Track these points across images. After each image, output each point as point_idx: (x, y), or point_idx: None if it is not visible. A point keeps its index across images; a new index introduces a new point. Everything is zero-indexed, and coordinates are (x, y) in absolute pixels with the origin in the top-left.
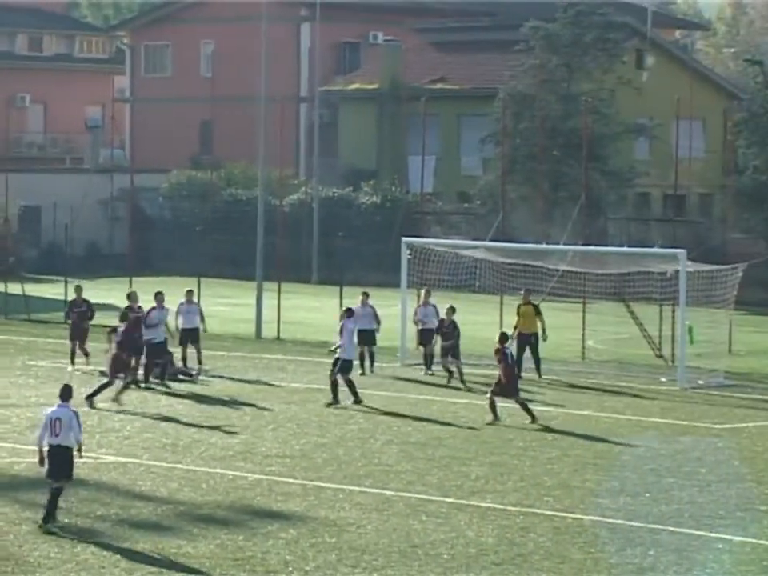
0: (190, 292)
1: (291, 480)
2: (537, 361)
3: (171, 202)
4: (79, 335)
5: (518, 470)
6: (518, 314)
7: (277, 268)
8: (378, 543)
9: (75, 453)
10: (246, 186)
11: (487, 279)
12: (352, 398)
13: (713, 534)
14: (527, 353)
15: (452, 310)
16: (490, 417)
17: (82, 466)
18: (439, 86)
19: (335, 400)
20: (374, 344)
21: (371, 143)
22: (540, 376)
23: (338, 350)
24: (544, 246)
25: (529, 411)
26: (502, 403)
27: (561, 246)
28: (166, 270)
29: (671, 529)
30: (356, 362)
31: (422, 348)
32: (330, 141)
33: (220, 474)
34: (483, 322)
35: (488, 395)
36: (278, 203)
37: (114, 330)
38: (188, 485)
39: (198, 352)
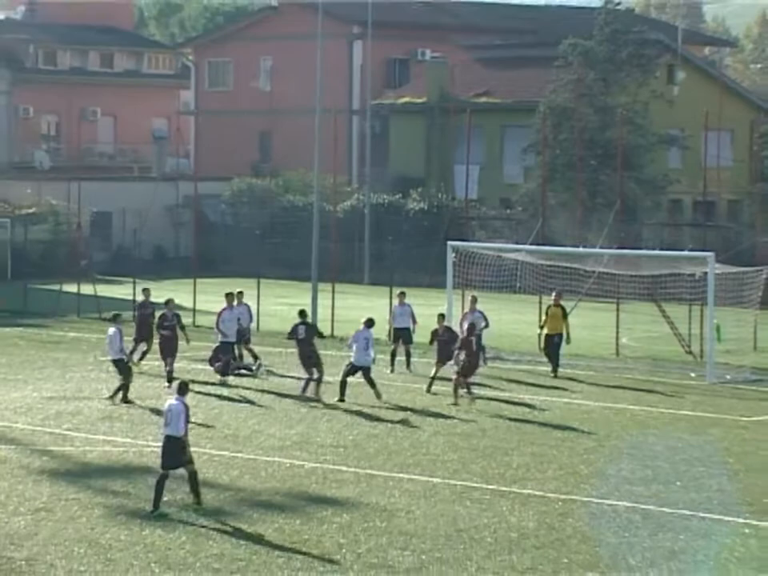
0: (239, 294)
1: (344, 468)
2: (556, 360)
3: (232, 208)
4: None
5: (556, 459)
6: (546, 314)
7: (330, 270)
8: (425, 528)
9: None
10: (302, 193)
11: (528, 281)
12: (374, 395)
13: (740, 520)
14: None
15: (442, 316)
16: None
17: (149, 454)
18: (483, 99)
19: (341, 398)
20: (411, 342)
21: (419, 153)
22: (555, 375)
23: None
24: (581, 249)
25: (456, 394)
26: (543, 396)
27: (597, 250)
28: (227, 271)
29: (701, 515)
30: (377, 359)
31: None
32: (380, 151)
33: (278, 463)
34: (524, 320)
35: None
36: (331, 209)
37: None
38: (248, 473)
39: (249, 350)
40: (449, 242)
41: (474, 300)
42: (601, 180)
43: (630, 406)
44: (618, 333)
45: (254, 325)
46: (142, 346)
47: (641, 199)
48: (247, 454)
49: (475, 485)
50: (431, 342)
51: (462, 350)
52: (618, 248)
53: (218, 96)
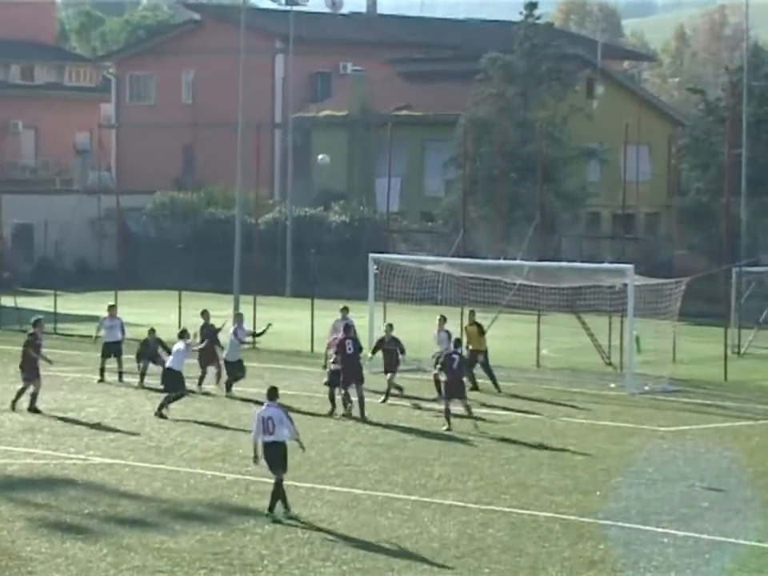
0: (112, 307)
1: (266, 480)
2: (492, 377)
3: (155, 221)
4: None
5: (477, 469)
6: (465, 333)
7: (253, 282)
8: (347, 538)
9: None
10: (224, 206)
11: (449, 293)
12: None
13: (659, 529)
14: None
15: (390, 326)
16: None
17: (71, 467)
18: (405, 112)
19: (333, 410)
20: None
21: (341, 166)
22: (499, 391)
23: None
24: (501, 261)
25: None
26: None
27: (517, 262)
28: (150, 284)
29: (620, 524)
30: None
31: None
32: (302, 164)
33: (200, 474)
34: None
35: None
36: (254, 222)
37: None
38: (171, 484)
39: (120, 364)
40: (370, 255)
41: (444, 320)
42: (521, 193)
43: (550, 416)
44: (538, 344)
45: (174, 338)
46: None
47: (560, 212)
48: (170, 465)
49: (397, 495)
50: (374, 352)
51: (441, 371)
52: (538, 260)
53: (141, 109)
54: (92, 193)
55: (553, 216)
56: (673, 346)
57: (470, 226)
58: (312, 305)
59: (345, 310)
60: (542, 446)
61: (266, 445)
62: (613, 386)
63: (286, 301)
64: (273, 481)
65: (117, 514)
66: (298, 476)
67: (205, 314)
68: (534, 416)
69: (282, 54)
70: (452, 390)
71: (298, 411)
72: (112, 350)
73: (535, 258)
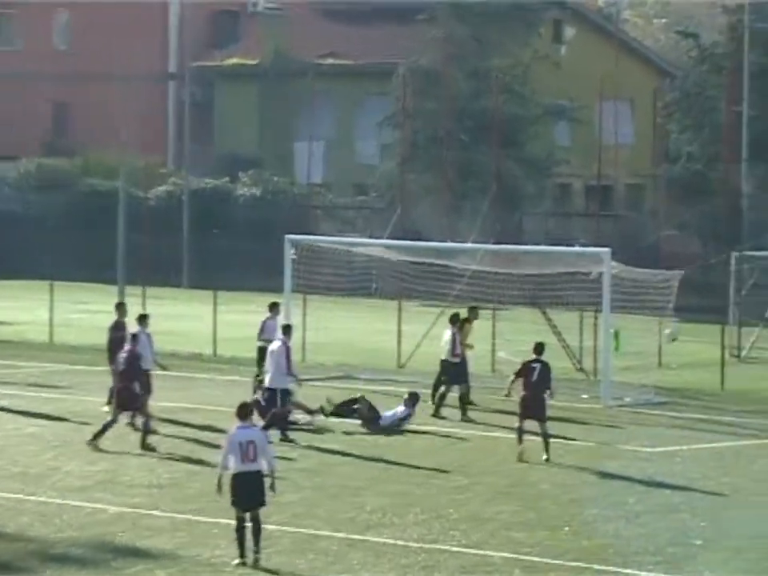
0: None
1: (159, 513)
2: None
3: (20, 194)
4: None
5: (420, 500)
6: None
7: (142, 270)
8: None
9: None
10: (106, 176)
11: (386, 282)
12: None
13: (642, 573)
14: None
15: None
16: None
17: None
18: (330, 61)
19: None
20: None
21: (251, 127)
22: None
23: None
24: (450, 244)
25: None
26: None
27: (470, 245)
28: (13, 272)
29: (595, 566)
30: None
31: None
32: (203, 124)
33: (77, 507)
34: (382, 330)
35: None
36: (143, 196)
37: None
38: (40, 519)
39: None
40: (287, 236)
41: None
42: (474, 159)
43: (508, 434)
44: (494, 345)
45: (45, 338)
46: None
47: (522, 183)
48: (39, 496)
49: (320, 532)
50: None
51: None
52: (495, 242)
53: (2, 57)
54: None
55: (513, 188)
56: (659, 348)
57: (411, 200)
58: (215, 298)
59: (275, 306)
60: (499, 472)
61: (241, 475)
62: (585, 396)
63: (182, 293)
64: (235, 521)
65: None
66: (197, 509)
67: (120, 307)
68: (491, 434)
69: None
70: (529, 407)
71: (196, 426)
72: None
73: (491, 240)
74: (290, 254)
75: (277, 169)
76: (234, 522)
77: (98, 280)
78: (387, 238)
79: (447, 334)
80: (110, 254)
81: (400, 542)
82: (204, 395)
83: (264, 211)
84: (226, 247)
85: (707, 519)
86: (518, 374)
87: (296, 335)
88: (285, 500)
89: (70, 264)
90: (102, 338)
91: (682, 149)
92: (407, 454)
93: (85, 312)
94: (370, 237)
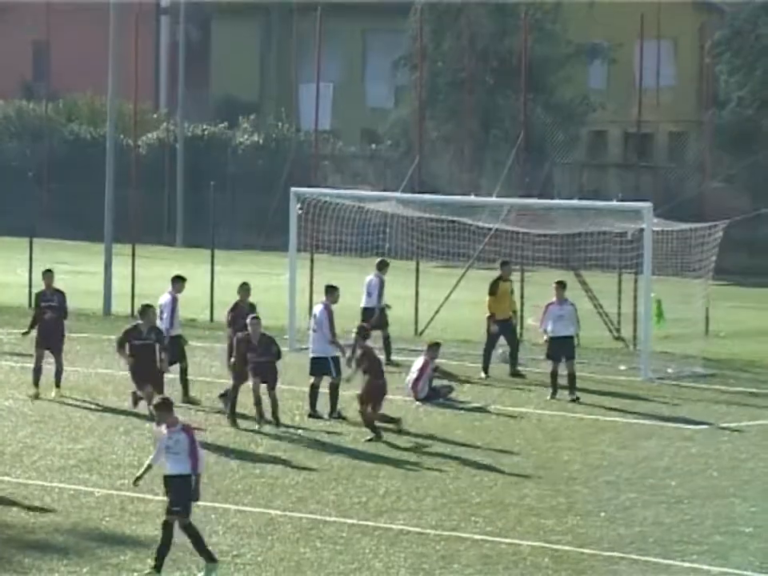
0: None
1: (149, 496)
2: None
3: None
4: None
5: (438, 483)
6: (491, 293)
7: (130, 227)
8: None
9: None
10: (91, 123)
11: (400, 240)
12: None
13: (684, 564)
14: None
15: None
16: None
17: None
18: None
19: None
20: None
21: (252, 68)
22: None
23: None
24: (472, 198)
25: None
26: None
27: (493, 199)
28: None
29: (632, 556)
30: None
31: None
32: (199, 65)
33: (58, 489)
34: (396, 294)
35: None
36: (132, 144)
37: None
38: (18, 503)
39: None
40: (292, 189)
41: (562, 287)
42: (498, 105)
43: (537, 410)
44: (522, 311)
45: (24, 301)
46: None
47: (552, 131)
48: (16, 477)
49: (327, 518)
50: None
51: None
52: (522, 197)
53: None
54: None
55: (542, 136)
56: (705, 314)
57: (428, 150)
58: (212, 258)
59: (383, 265)
60: (526, 452)
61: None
62: (623, 368)
63: (176, 252)
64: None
65: None
66: None
67: (47, 274)
68: (517, 410)
69: None
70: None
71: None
72: None
73: (518, 195)
74: (295, 208)
75: (279, 114)
76: (230, 507)
77: (82, 238)
78: (402, 192)
79: None
80: (96, 209)
81: (416, 529)
82: (199, 366)
83: (265, 161)
84: (224, 202)
85: (758, 504)
86: (543, 317)
87: (302, 299)
88: (289, 482)
89: (52, 220)
90: (83, 303)
91: (731, 93)
92: (425, 430)
93: (68, 273)
94: (383, 190)
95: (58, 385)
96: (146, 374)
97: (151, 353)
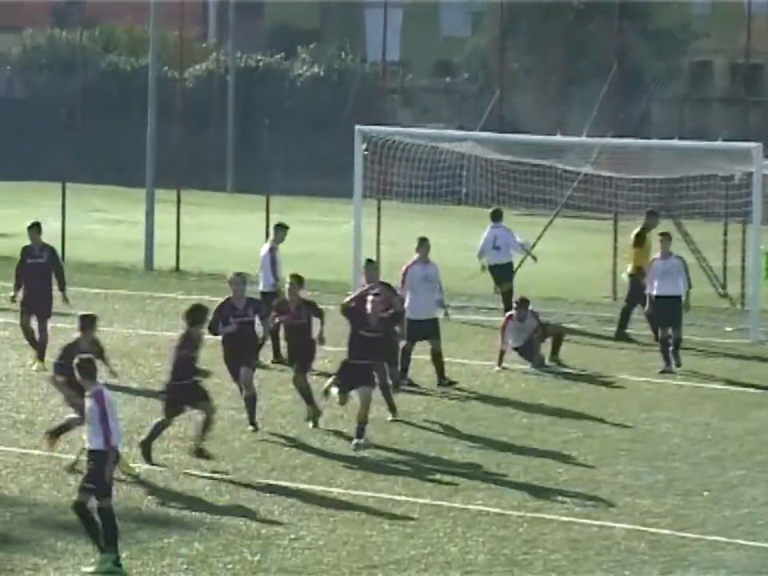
0: None
1: (196, 472)
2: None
3: (24, 75)
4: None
5: (521, 457)
6: (637, 244)
7: (175, 170)
8: (320, 563)
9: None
10: (131, 53)
11: (477, 185)
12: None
13: None
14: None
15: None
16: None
17: None
18: None
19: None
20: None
21: None
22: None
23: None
24: (558, 138)
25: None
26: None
27: (583, 139)
28: (16, 171)
29: (739, 541)
30: None
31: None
32: None
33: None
34: (473, 246)
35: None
36: (177, 77)
37: None
38: (48, 480)
39: None
40: (357, 127)
41: (668, 239)
42: (588, 33)
43: (633, 376)
44: (615, 265)
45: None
46: None
47: (649, 62)
48: (47, 450)
49: (396, 497)
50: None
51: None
52: (615, 136)
53: None
54: None
55: (638, 69)
56: None
57: (509, 83)
58: (267, 205)
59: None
60: (619, 422)
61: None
62: (730, 329)
63: (226, 198)
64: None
65: None
66: (243, 467)
67: (33, 228)
68: (610, 375)
69: None
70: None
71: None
72: None
73: (610, 134)
74: (361, 149)
75: (342, 43)
76: (289, 485)
77: (119, 183)
78: (480, 131)
79: None
80: (136, 150)
81: (496, 510)
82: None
83: (327, 96)
84: (280, 141)
85: None
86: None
87: (368, 248)
88: (353, 458)
89: (87, 162)
90: (122, 256)
91: None
92: (506, 399)
93: (103, 222)
94: (459, 128)
95: (41, 357)
96: (239, 360)
97: (250, 331)
